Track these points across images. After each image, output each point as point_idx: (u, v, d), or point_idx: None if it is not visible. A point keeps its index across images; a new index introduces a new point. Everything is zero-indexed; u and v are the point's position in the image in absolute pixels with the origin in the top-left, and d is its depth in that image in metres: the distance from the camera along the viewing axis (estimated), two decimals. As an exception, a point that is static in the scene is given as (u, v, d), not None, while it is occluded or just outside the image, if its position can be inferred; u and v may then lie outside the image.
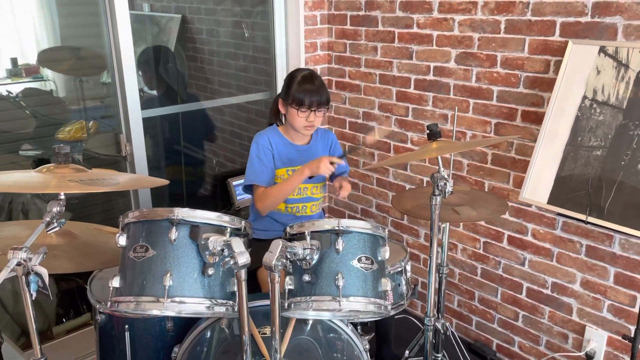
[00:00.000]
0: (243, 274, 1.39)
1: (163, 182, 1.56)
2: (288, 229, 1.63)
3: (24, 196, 3.37)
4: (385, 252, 1.63)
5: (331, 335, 1.86)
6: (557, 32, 2.15)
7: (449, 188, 1.70)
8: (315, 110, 2.26)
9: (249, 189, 2.38)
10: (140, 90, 3.77)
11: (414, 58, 2.69)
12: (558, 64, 2.13)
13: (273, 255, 1.37)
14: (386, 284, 1.60)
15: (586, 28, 2.07)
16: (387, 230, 1.66)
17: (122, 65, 2.49)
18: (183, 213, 1.50)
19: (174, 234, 1.48)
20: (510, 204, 2.45)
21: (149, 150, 3.62)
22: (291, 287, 1.56)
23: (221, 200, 3.20)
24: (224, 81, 3.76)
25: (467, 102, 2.53)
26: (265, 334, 1.72)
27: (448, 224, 2.21)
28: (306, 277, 1.52)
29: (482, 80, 2.44)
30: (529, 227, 2.42)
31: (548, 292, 2.42)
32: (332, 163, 2.20)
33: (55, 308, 3.20)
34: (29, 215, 3.37)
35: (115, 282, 1.52)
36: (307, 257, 1.51)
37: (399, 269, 2.06)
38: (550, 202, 2.07)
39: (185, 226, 1.50)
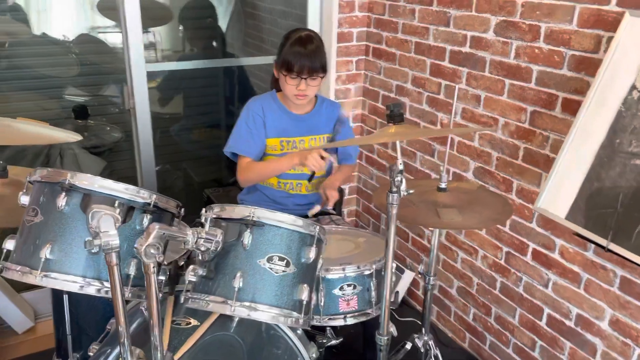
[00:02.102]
0: (114, 257, 1.19)
1: (55, 140, 1.38)
2: (203, 211, 1.39)
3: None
4: (310, 253, 1.34)
5: (268, 336, 1.61)
6: (615, -1, 1.65)
7: (404, 186, 1.35)
8: (306, 78, 1.97)
9: (235, 155, 2.17)
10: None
11: (451, 25, 2.27)
12: (611, 42, 1.64)
13: (144, 241, 1.15)
14: (302, 292, 1.32)
15: (652, -5, 1.56)
16: (318, 227, 1.37)
17: (126, 15, 2.35)
18: (76, 178, 1.32)
19: (61, 200, 1.31)
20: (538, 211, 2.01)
21: (173, 107, 3.53)
22: (193, 278, 1.33)
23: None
24: (268, 39, 3.54)
25: (502, 82, 2.08)
26: (180, 324, 1.52)
27: (438, 229, 1.83)
28: (200, 271, 1.29)
29: (522, 56, 1.98)
30: (558, 242, 1.97)
31: (571, 324, 1.97)
32: (323, 158, 1.94)
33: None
34: (64, 161, 3.44)
35: (9, 245, 1.38)
36: (202, 248, 1.27)
37: (368, 272, 1.75)
38: (568, 217, 1.63)
39: (78, 194, 1.32)
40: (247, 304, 1.26)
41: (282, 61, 1.98)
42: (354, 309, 1.75)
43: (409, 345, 1.98)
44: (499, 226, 2.21)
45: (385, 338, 1.58)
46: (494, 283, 2.29)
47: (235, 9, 3.80)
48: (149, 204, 1.38)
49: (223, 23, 3.71)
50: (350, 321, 1.77)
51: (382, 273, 1.81)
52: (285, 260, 1.30)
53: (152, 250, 1.15)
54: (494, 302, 2.30)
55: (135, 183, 2.75)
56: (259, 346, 1.60)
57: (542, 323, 2.09)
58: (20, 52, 3.27)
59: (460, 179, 2.36)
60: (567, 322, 1.99)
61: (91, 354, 1.65)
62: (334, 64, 2.76)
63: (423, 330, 1.95)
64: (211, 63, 3.11)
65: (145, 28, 3.61)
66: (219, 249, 1.29)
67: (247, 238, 1.27)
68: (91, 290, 1.33)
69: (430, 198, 1.71)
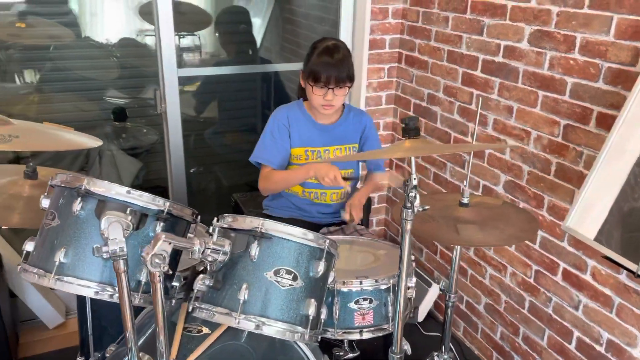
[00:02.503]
0: (121, 265, 1.20)
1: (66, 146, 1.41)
2: (215, 221, 1.39)
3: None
4: (318, 267, 1.31)
5: (281, 346, 1.59)
6: (655, 9, 1.56)
7: (418, 202, 1.31)
8: (333, 88, 1.95)
9: (259, 163, 2.17)
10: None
11: (485, 34, 2.20)
12: (650, 54, 1.55)
13: (150, 250, 1.16)
14: (309, 307, 1.29)
15: (695, 5, 1.46)
16: (328, 241, 1.34)
17: (159, 20, 2.39)
18: (92, 184, 1.34)
19: (76, 205, 1.33)
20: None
21: (208, 111, 3.57)
22: (201, 288, 1.33)
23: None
24: (304, 44, 3.54)
25: (535, 94, 2.01)
26: (191, 332, 1.52)
27: (459, 246, 1.77)
28: (207, 281, 1.28)
29: (556, 67, 1.90)
30: (589, 263, 1.88)
31: (601, 349, 1.87)
32: (345, 179, 1.92)
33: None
34: (102, 161, 3.54)
35: (29, 246, 1.41)
36: (209, 259, 1.27)
37: (385, 286, 1.71)
38: (597, 238, 1.55)
39: (93, 199, 1.34)
40: (251, 317, 1.25)
41: (309, 71, 1.97)
42: (369, 323, 1.71)
43: (427, 363, 1.93)
44: (528, 243, 2.12)
45: (398, 357, 1.54)
46: (522, 302, 2.20)
47: (273, 14, 3.82)
48: (162, 211, 1.38)
49: (260, 29, 3.74)
50: (367, 336, 1.73)
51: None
52: (292, 274, 1.28)
53: (157, 260, 1.15)
54: (522, 321, 2.22)
55: (166, 185, 2.81)
56: (270, 357, 1.58)
57: (572, 346, 1.99)
58: (64, 55, 3.39)
59: (490, 193, 2.28)
60: (597, 347, 1.89)
61: (108, 355, 1.69)
62: (365, 71, 2.73)
63: (443, 348, 1.90)
64: (243, 69, 3.13)
65: (189, 32, 3.69)
66: (226, 259, 1.28)
67: (254, 250, 1.26)
68: (104, 296, 1.34)
69: (451, 213, 1.66)
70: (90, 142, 1.46)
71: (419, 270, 2.74)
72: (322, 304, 1.39)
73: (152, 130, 3.60)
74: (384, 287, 1.70)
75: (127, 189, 1.35)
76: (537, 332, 2.15)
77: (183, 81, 2.58)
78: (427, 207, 1.38)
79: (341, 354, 1.93)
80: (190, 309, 1.34)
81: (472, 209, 1.66)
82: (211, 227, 1.31)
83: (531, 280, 2.14)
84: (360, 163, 2.28)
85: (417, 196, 1.31)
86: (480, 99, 1.69)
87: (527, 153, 2.08)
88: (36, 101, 3.09)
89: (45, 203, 1.44)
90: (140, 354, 1.35)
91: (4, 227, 2.47)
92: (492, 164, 2.26)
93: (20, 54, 3.19)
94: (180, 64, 3.25)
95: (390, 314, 1.73)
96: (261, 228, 1.27)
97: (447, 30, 2.41)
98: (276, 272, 1.27)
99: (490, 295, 2.37)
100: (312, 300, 1.30)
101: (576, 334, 1.97)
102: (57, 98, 3.33)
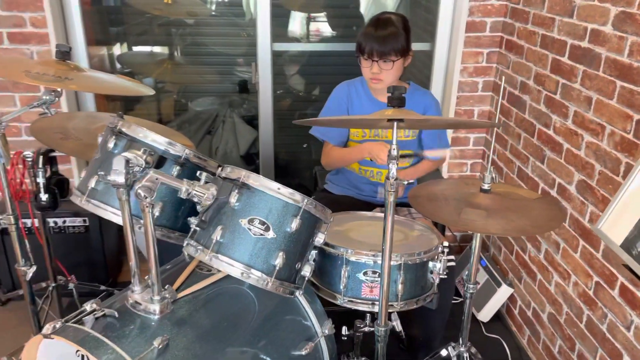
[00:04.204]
0: (122, 193, 1.39)
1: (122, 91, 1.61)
2: (219, 170, 1.52)
3: (224, 111, 3.91)
4: (293, 223, 1.37)
5: (283, 300, 1.68)
6: None
7: (394, 173, 1.29)
8: (377, 61, 1.95)
9: None
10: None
11: (574, 16, 1.99)
12: None
13: (139, 182, 1.33)
14: (277, 258, 1.36)
15: None
16: (307, 200, 1.39)
17: None
18: (125, 125, 1.56)
19: (111, 142, 1.56)
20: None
21: (310, 87, 3.70)
22: (192, 226, 1.47)
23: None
24: (422, 25, 3.48)
25: (613, 84, 1.78)
26: (202, 270, 1.68)
27: (478, 234, 1.66)
28: (196, 221, 1.42)
29: (635, 54, 1.67)
30: (646, 280, 1.64)
31: (648, 381, 1.63)
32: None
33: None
34: (224, 127, 3.91)
35: (83, 173, 1.70)
36: (195, 199, 1.40)
37: (396, 263, 1.69)
38: (624, 245, 1.35)
39: (124, 139, 1.56)
40: (221, 256, 1.36)
41: (357, 42, 1.99)
42: (377, 297, 1.72)
43: (444, 352, 1.86)
44: (592, 251, 1.90)
45: (383, 329, 1.53)
46: (581, 315, 1.98)
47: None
48: (180, 156, 1.56)
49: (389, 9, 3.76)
50: (378, 309, 1.74)
51: (417, 269, 1.73)
52: (265, 225, 1.36)
53: (143, 192, 1.32)
54: (579, 336, 2.00)
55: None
56: (272, 309, 1.68)
57: (621, 372, 1.76)
58: (201, 31, 3.79)
59: (563, 193, 2.08)
60: (644, 378, 1.64)
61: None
62: (459, 54, 2.63)
63: (460, 340, 1.81)
64: (335, 46, 3.21)
65: (302, 11, 3.84)
66: (212, 203, 1.41)
67: (234, 197, 1.36)
68: (117, 219, 1.55)
69: (468, 197, 1.58)
70: (142, 90, 1.67)
71: (492, 269, 2.59)
72: (301, 260, 1.45)
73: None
74: (394, 263, 1.69)
75: (152, 133, 1.55)
76: (591, 350, 1.92)
77: (278, 55, 2.75)
78: (411, 181, 1.35)
79: (361, 325, 1.95)
80: (185, 244, 1.49)
81: (493, 196, 1.56)
82: (198, 172, 1.44)
83: (591, 293, 1.92)
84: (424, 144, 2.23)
85: (394, 168, 1.29)
86: (504, 77, 1.55)
87: (600, 150, 1.85)
88: (170, 69, 3.53)
89: (99, 140, 1.71)
90: (146, 277, 1.56)
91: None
92: (568, 161, 2.05)
93: (163, 26, 3.66)
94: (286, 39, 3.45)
95: (400, 293, 1.71)
96: (242, 179, 1.37)
97: (543, 13, 2.22)
98: (250, 221, 1.36)
99: (554, 304, 2.17)
100: (281, 253, 1.37)
101: (625, 358, 1.73)
102: (188, 69, 3.75)
